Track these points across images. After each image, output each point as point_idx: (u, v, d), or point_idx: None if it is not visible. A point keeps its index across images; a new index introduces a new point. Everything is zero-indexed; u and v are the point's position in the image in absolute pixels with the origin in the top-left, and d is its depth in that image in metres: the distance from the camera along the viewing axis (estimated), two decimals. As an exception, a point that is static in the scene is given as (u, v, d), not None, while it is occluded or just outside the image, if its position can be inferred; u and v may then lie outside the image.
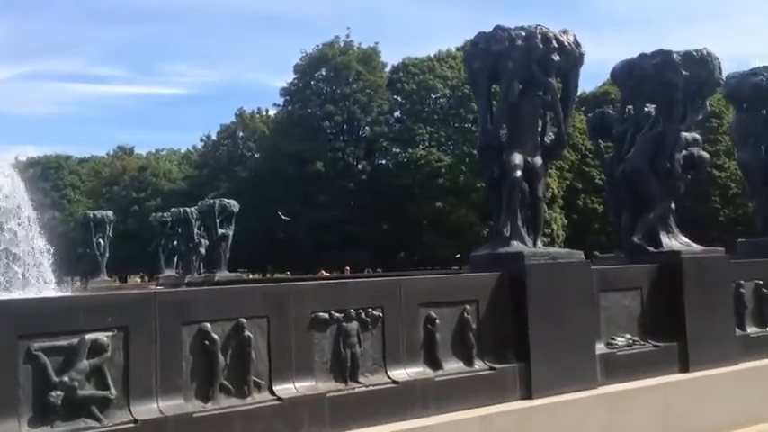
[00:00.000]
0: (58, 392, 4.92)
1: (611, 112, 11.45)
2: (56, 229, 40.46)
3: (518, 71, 7.91)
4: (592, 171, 50.64)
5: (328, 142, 54.58)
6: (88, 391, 5.05)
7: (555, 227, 48.26)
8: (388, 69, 57.36)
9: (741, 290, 9.77)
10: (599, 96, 50.63)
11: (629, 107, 9.95)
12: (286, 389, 5.91)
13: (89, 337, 5.07)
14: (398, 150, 54.48)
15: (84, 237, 29.41)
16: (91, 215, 29.73)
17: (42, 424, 4.89)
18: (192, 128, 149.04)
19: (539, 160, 8.16)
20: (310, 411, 5.92)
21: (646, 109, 9.77)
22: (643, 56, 9.41)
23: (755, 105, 11.61)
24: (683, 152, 9.61)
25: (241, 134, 64.38)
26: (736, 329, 9.53)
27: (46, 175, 72.70)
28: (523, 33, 7.87)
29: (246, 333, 5.77)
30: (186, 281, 23.00)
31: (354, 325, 6.35)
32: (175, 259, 28.39)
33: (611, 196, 10.55)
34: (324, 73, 56.49)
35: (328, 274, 34.55)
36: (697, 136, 10.19)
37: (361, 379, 6.33)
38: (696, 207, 45.68)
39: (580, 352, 7.72)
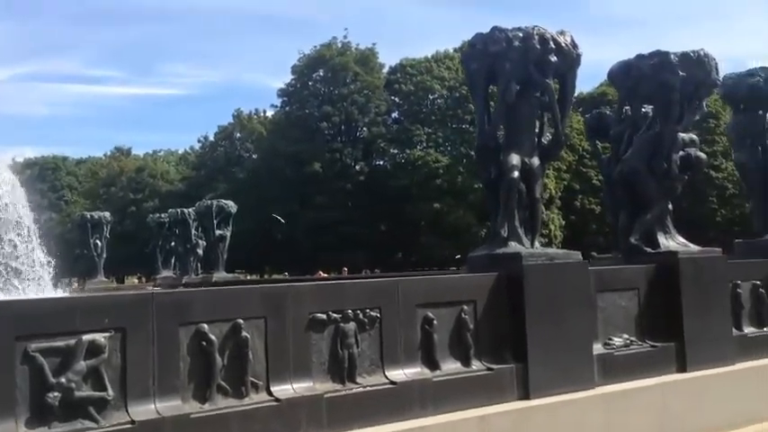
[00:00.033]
0: (56, 393, 4.92)
1: (608, 112, 11.48)
2: (53, 230, 40.39)
3: (515, 72, 7.92)
4: (589, 172, 50.71)
5: (326, 143, 54.58)
6: (85, 392, 5.05)
7: (552, 227, 48.32)
8: (385, 70, 57.39)
9: (738, 290, 9.79)
10: (596, 97, 50.70)
11: (627, 108, 9.97)
12: (283, 390, 5.91)
13: (86, 338, 5.07)
14: (396, 151, 54.49)
15: (81, 238, 29.36)
16: (88, 216, 29.70)
17: (39, 425, 4.89)
18: (190, 129, 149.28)
19: (536, 161, 8.17)
20: (308, 412, 5.92)
21: (643, 110, 9.79)
22: (640, 57, 9.43)
23: (752, 106, 11.63)
24: (681, 153, 9.63)
25: (238, 135, 64.34)
26: (734, 330, 9.55)
27: (43, 176, 72.57)
28: (521, 34, 7.88)
29: (244, 334, 5.77)
30: (183, 282, 22.97)
31: (352, 326, 6.35)
32: (173, 260, 28.36)
33: (609, 197, 10.58)
34: (321, 74, 56.49)
35: (326, 275, 34.57)
36: (694, 137, 10.21)
37: (358, 380, 6.33)
38: (693, 208, 45.73)
39: (577, 352, 7.73)
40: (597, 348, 8.05)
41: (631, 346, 8.43)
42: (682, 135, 9.69)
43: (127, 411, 5.19)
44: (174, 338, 5.49)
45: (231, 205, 24.81)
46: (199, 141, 68.48)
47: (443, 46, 57.53)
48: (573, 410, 7.37)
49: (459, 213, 48.49)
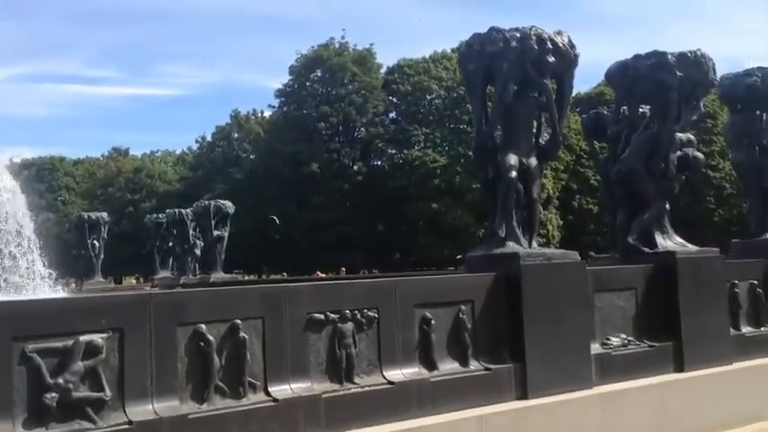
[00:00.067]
0: (53, 394, 4.91)
1: (605, 112, 11.48)
2: (50, 230, 40.38)
3: (513, 72, 7.93)
4: (587, 172, 50.74)
5: (323, 143, 54.53)
6: (83, 392, 5.04)
7: (550, 227, 48.32)
8: (383, 70, 57.36)
9: (736, 290, 9.81)
10: (594, 97, 50.71)
11: (624, 108, 9.99)
12: (281, 390, 5.91)
13: (84, 338, 5.06)
14: (394, 151, 54.47)
15: (78, 238, 29.32)
16: (86, 216, 29.68)
17: (37, 426, 4.88)
18: (187, 129, 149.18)
19: (534, 161, 8.17)
20: (306, 412, 5.92)
21: (640, 110, 9.81)
22: (637, 57, 9.44)
23: (750, 106, 11.65)
24: (678, 153, 9.64)
25: (236, 135, 64.27)
26: (731, 329, 9.57)
27: (41, 177, 72.37)
28: (518, 35, 7.89)
29: (242, 334, 5.77)
30: (181, 282, 22.95)
31: (350, 326, 6.35)
32: (170, 261, 28.35)
33: (606, 197, 10.59)
34: (319, 74, 56.45)
35: (324, 276, 34.57)
36: (691, 137, 10.22)
37: (356, 380, 6.33)
38: (691, 207, 45.80)
39: (575, 352, 7.74)
40: (595, 348, 8.06)
41: (629, 346, 8.44)
42: (679, 135, 9.70)
43: (124, 412, 5.19)
44: (171, 339, 5.48)
45: (229, 206, 24.81)
46: (196, 142, 68.43)
47: (441, 46, 57.63)
48: (571, 410, 7.38)
49: (457, 213, 48.49)
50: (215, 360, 5.64)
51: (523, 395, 7.24)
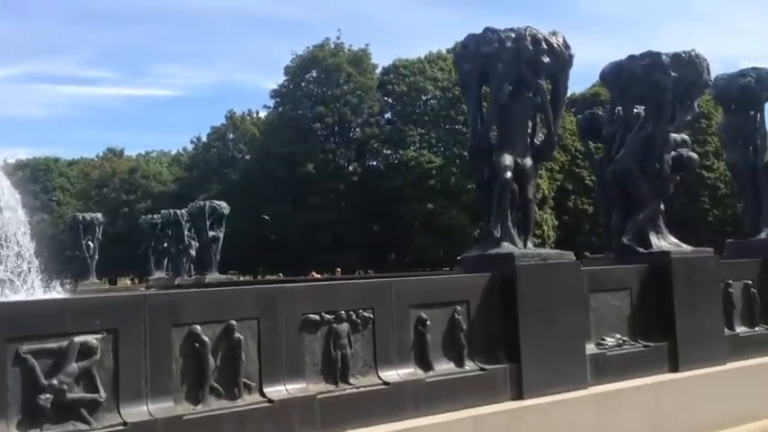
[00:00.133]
0: (47, 395, 4.90)
1: (600, 113, 11.50)
2: (45, 231, 40.26)
3: (508, 73, 7.94)
4: (582, 172, 50.82)
5: (319, 144, 54.51)
6: (77, 393, 5.03)
7: (545, 228, 48.38)
8: (378, 71, 57.36)
9: (730, 290, 9.83)
10: (589, 98, 50.81)
11: (619, 108, 9.99)
12: (277, 391, 5.90)
13: (78, 339, 5.06)
14: (389, 152, 54.46)
15: (73, 239, 29.25)
16: (80, 217, 29.57)
17: (31, 427, 4.87)
18: (183, 130, 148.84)
19: (529, 161, 8.18)
20: (301, 413, 5.92)
21: (635, 110, 9.82)
22: (632, 57, 9.46)
23: (744, 106, 11.68)
24: (673, 153, 9.66)
25: (231, 136, 64.20)
26: (726, 329, 9.59)
27: (35, 178, 72.16)
28: (513, 35, 7.90)
29: (237, 335, 5.77)
30: (176, 283, 22.91)
31: (345, 326, 6.35)
32: (165, 261, 28.28)
33: (601, 197, 10.59)
34: (314, 74, 56.41)
35: (319, 276, 34.54)
36: (686, 137, 10.25)
37: (351, 380, 6.33)
38: (685, 208, 45.91)
39: (570, 352, 7.74)
40: (590, 348, 8.07)
41: (624, 346, 8.45)
42: (674, 135, 9.72)
43: (119, 413, 5.18)
44: (166, 340, 5.48)
45: (224, 206, 24.74)
46: (191, 142, 68.31)
47: (436, 47, 57.55)
48: (566, 410, 7.39)
49: (453, 214, 48.51)
50: (210, 361, 5.63)
51: (519, 395, 7.25)
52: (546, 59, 8.00)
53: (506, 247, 7.80)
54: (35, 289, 11.42)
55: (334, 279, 21.32)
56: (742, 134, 11.74)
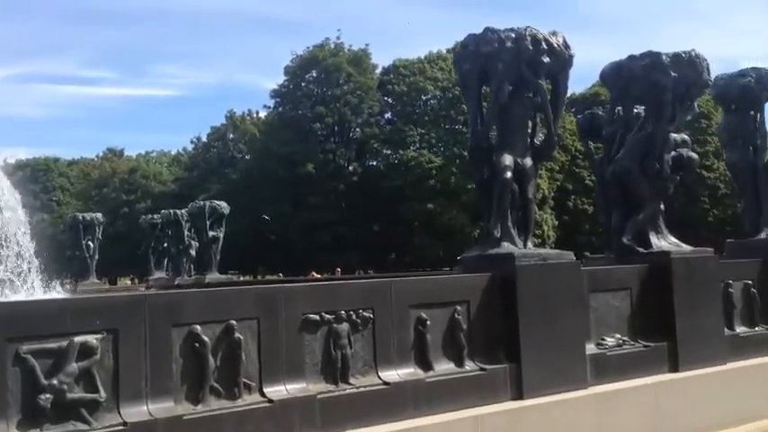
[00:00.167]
0: (47, 395, 4.90)
1: (600, 113, 11.50)
2: (45, 231, 40.26)
3: (508, 73, 7.94)
4: (582, 172, 50.82)
5: (319, 144, 54.51)
6: (77, 393, 5.03)
7: (545, 228, 48.38)
8: (378, 71, 57.36)
9: (730, 290, 9.83)
10: (589, 98, 50.81)
11: (619, 108, 9.99)
12: (277, 391, 5.90)
13: (78, 339, 5.06)
14: (389, 152, 54.46)
15: (73, 239, 29.25)
16: (80, 217, 29.57)
17: (31, 427, 4.87)
18: (183, 130, 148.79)
19: (529, 161, 8.19)
20: (301, 413, 5.92)
21: (635, 110, 9.82)
22: (632, 57, 9.46)
23: (744, 107, 11.68)
24: (673, 153, 9.66)
25: (231, 136, 64.21)
26: (726, 329, 9.59)
27: (35, 178, 72.16)
28: (513, 35, 7.90)
29: (237, 335, 5.77)
30: (176, 283, 22.91)
31: (345, 326, 6.35)
32: (165, 261, 28.28)
33: (602, 197, 10.60)
34: (314, 74, 56.42)
35: (319, 276, 34.54)
36: (686, 137, 10.25)
37: (351, 380, 6.33)
38: (685, 208, 45.91)
39: (570, 352, 7.74)
40: (590, 348, 8.07)
41: (624, 346, 8.45)
42: (674, 135, 9.72)
43: (119, 413, 5.18)
44: (166, 340, 5.48)
45: (224, 206, 24.74)
46: (191, 142, 68.31)
47: (436, 47, 57.55)
48: (566, 410, 7.39)
49: (453, 214, 48.51)
50: (210, 361, 5.63)
51: (519, 395, 7.25)
52: (546, 59, 8.00)
53: (506, 247, 7.80)
54: (35, 289, 11.40)
55: (334, 279, 21.32)
56: (742, 134, 11.74)
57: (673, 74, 9.22)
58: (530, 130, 8.35)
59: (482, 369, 7.12)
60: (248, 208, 47.68)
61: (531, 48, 7.90)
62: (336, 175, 53.74)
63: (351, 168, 54.98)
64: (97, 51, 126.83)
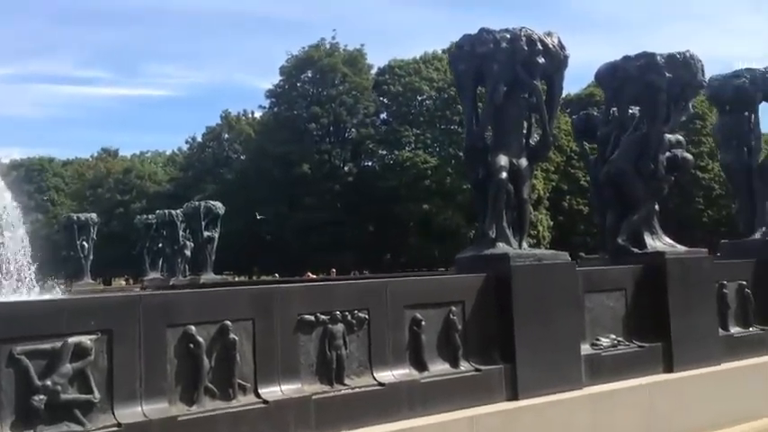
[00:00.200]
0: (41, 396, 4.88)
1: (595, 114, 11.53)
2: (39, 231, 40.16)
3: (503, 73, 7.95)
4: (577, 173, 50.88)
5: (314, 144, 54.44)
6: (71, 394, 5.02)
7: (540, 228, 48.41)
8: (374, 71, 57.32)
9: (724, 290, 9.86)
10: (584, 98, 50.86)
11: (614, 109, 10.02)
12: (272, 391, 5.89)
13: (72, 340, 5.04)
14: (385, 152, 54.44)
15: (67, 239, 29.22)
16: (75, 217, 29.55)
17: (25, 428, 4.85)
18: (177, 130, 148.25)
19: (524, 162, 8.19)
20: (296, 414, 5.91)
21: (630, 111, 9.84)
22: (626, 58, 9.48)
23: (738, 107, 11.72)
24: (667, 154, 9.68)
25: (227, 136, 64.09)
26: (720, 330, 9.62)
27: (29, 178, 71.92)
28: (508, 36, 7.91)
29: (232, 336, 5.75)
30: (171, 283, 22.89)
31: (340, 327, 6.35)
32: (160, 262, 28.26)
33: (596, 198, 10.63)
34: (310, 75, 56.35)
35: (314, 276, 34.52)
36: (680, 138, 10.27)
37: (347, 381, 6.33)
38: (680, 208, 46.03)
39: (565, 353, 7.75)
40: (585, 349, 8.08)
41: (619, 347, 8.47)
42: (668, 136, 9.75)
43: (113, 414, 5.16)
44: (161, 340, 5.46)
45: (219, 206, 24.75)
46: (186, 142, 68.18)
47: (432, 47, 57.47)
48: (561, 411, 7.40)
49: (448, 214, 48.51)
50: (205, 362, 5.62)
51: (514, 396, 7.25)
52: (541, 60, 8.01)
53: (501, 247, 7.80)
54: (30, 290, 11.38)
55: (329, 280, 21.31)
56: (736, 135, 11.77)
57: (667, 75, 9.25)
58: (525, 131, 8.36)
59: (477, 369, 7.13)
60: (243, 208, 47.65)
61: (526, 48, 7.91)
62: (332, 175, 53.70)
63: (346, 169, 54.92)
64: (92, 51, 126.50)
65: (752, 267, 10.42)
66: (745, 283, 10.20)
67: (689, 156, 10.31)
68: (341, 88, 54.76)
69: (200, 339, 5.61)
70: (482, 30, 8.03)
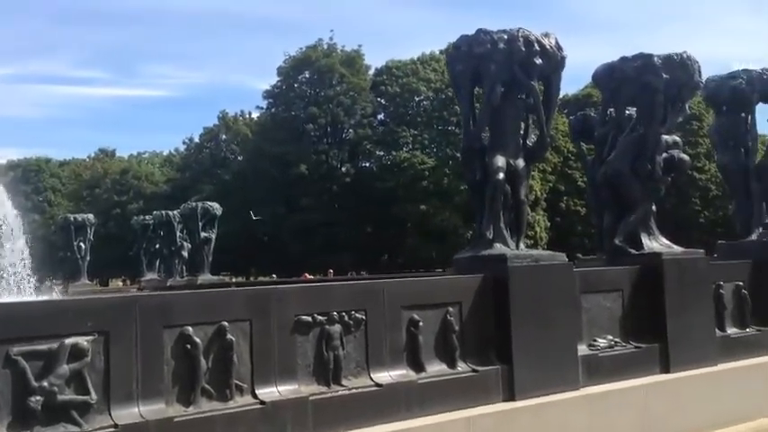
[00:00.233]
0: (38, 397, 4.87)
1: (593, 114, 11.53)
2: (36, 232, 40.07)
3: (500, 74, 7.95)
4: (574, 173, 50.93)
5: (312, 145, 54.42)
6: (68, 396, 5.01)
7: (538, 229, 48.43)
8: (371, 72, 57.33)
9: (721, 291, 9.87)
10: (581, 99, 50.91)
11: (611, 110, 10.02)
12: (269, 392, 5.89)
13: (69, 341, 5.03)
14: (382, 153, 54.46)
15: (64, 240, 29.15)
16: (72, 218, 29.47)
17: (22, 429, 4.84)
18: (175, 130, 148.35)
19: (521, 163, 8.20)
20: (293, 415, 5.91)
21: (627, 112, 9.85)
22: (624, 59, 9.49)
23: (735, 108, 11.75)
24: (664, 154, 9.70)
25: (224, 137, 64.05)
26: (717, 330, 9.63)
27: (26, 178, 71.84)
28: (505, 36, 7.92)
29: (229, 336, 5.75)
30: (168, 284, 22.86)
31: (337, 328, 6.35)
32: (157, 263, 28.20)
33: (593, 198, 10.63)
34: (307, 75, 56.35)
35: (311, 277, 34.49)
36: (677, 138, 10.29)
37: (344, 382, 6.33)
38: (677, 209, 46.08)
39: (562, 354, 7.76)
40: (582, 349, 8.08)
41: (615, 348, 8.47)
42: (665, 137, 9.76)
43: (110, 415, 5.15)
44: (158, 341, 5.46)
45: (216, 207, 24.69)
46: (184, 143, 68.07)
47: (429, 48, 57.56)
48: (558, 411, 7.40)
49: (445, 215, 48.52)
50: (201, 363, 5.61)
51: (511, 397, 7.26)
52: (538, 61, 8.02)
53: (499, 248, 7.81)
54: (27, 291, 11.36)
55: (326, 280, 21.30)
56: (733, 136, 11.80)
57: (664, 76, 9.26)
58: (522, 132, 8.36)
59: (474, 370, 7.13)
60: (241, 209, 47.58)
61: (523, 49, 7.92)
62: (329, 176, 53.72)
63: (344, 169, 54.93)
64: (90, 51, 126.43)
65: (749, 268, 10.43)
66: (741, 283, 10.21)
67: (686, 157, 10.33)
68: (338, 89, 54.76)
69: (197, 340, 5.61)
70: (479, 30, 8.03)
